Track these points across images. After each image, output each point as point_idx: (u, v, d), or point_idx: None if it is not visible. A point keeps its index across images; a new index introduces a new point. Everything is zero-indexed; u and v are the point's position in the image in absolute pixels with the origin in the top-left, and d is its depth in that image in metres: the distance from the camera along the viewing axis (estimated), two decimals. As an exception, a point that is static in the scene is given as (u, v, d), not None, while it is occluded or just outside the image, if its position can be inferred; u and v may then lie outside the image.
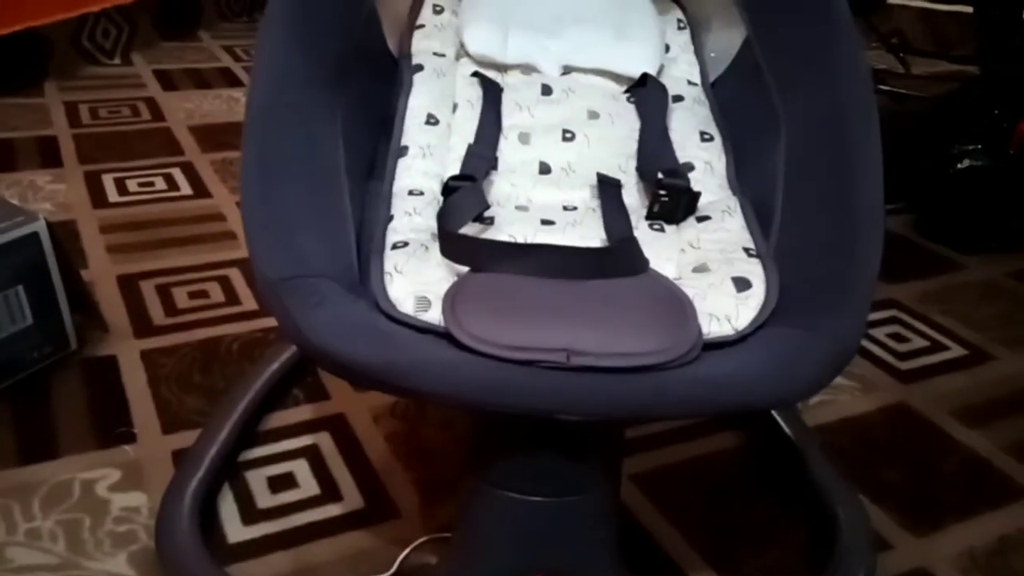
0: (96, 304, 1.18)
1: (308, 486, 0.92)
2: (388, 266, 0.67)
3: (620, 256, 0.69)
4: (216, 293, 1.25)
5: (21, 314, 1.03)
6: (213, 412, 0.96)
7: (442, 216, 0.72)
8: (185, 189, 1.56)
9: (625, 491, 0.95)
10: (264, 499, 0.90)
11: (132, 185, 1.55)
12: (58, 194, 1.50)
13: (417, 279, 0.65)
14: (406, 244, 0.69)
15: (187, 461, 0.89)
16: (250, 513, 0.88)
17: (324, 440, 0.98)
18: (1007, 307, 1.40)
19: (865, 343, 1.27)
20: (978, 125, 1.53)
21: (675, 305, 0.64)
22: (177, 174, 1.61)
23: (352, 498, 0.91)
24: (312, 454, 0.96)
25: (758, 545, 0.90)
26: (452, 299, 0.62)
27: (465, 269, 0.66)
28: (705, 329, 0.62)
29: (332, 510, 0.89)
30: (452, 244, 0.67)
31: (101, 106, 1.88)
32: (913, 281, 1.45)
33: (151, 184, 1.56)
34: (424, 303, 0.62)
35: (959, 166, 1.50)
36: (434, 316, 0.62)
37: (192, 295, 1.24)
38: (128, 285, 1.25)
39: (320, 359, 0.60)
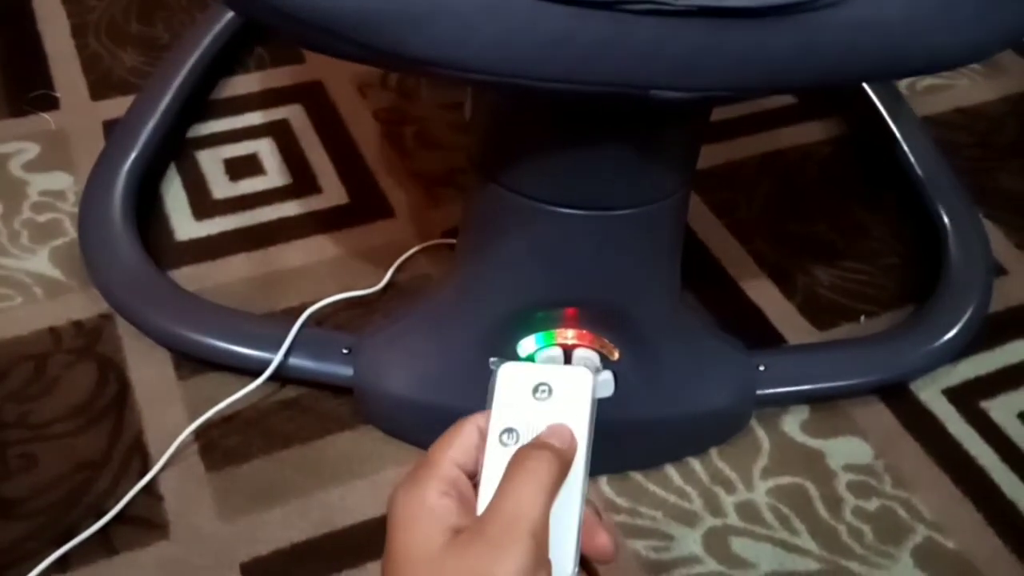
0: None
1: (276, 173, 0.78)
2: None
3: None
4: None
5: None
6: (154, 72, 0.82)
7: None
8: None
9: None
10: (221, 187, 0.77)
11: None
12: None
13: None
14: None
15: (121, 133, 0.76)
16: (203, 204, 0.76)
17: (296, 115, 0.83)
18: None
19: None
20: None
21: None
22: None
23: (333, 190, 0.77)
24: (281, 132, 0.82)
25: (841, 265, 0.75)
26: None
27: None
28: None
29: (308, 204, 0.76)
30: None
31: None
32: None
33: None
34: None
35: None
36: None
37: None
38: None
39: (258, 11, 0.39)
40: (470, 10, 0.37)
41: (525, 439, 0.31)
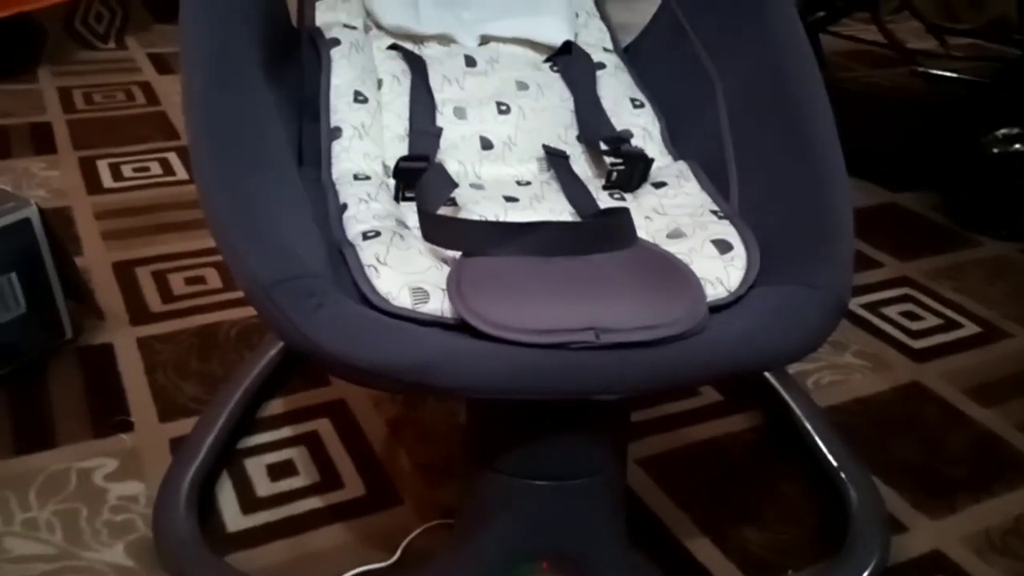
0: (91, 291, 1.16)
1: (308, 473, 0.91)
2: (367, 258, 0.63)
3: (613, 228, 0.68)
4: (213, 279, 1.23)
5: (15, 301, 1.01)
6: (211, 399, 0.95)
7: (419, 199, 0.69)
8: (181, 174, 1.53)
9: (633, 475, 0.93)
10: (263, 487, 0.89)
11: (127, 170, 1.53)
12: (52, 180, 1.48)
13: (406, 269, 0.62)
14: (378, 233, 0.66)
15: (185, 449, 0.88)
16: (249, 501, 0.87)
17: (324, 426, 0.97)
18: (1020, 283, 1.37)
19: (877, 321, 1.24)
20: (1020, 108, 1.48)
21: (677, 274, 0.63)
22: (173, 159, 1.58)
23: (353, 485, 0.90)
24: (312, 441, 0.95)
25: (769, 527, 0.88)
26: (458, 287, 0.59)
27: (451, 254, 0.64)
28: (700, 294, 0.62)
29: (333, 497, 0.88)
30: (437, 228, 0.65)
31: (95, 91, 1.86)
32: (925, 258, 1.43)
33: (146, 169, 1.54)
34: (421, 295, 0.60)
35: (997, 150, 1.46)
36: (435, 307, 0.59)
37: (189, 281, 1.22)
38: (124, 272, 1.23)
39: (330, 365, 0.56)
40: (468, 357, 0.54)
41: None
